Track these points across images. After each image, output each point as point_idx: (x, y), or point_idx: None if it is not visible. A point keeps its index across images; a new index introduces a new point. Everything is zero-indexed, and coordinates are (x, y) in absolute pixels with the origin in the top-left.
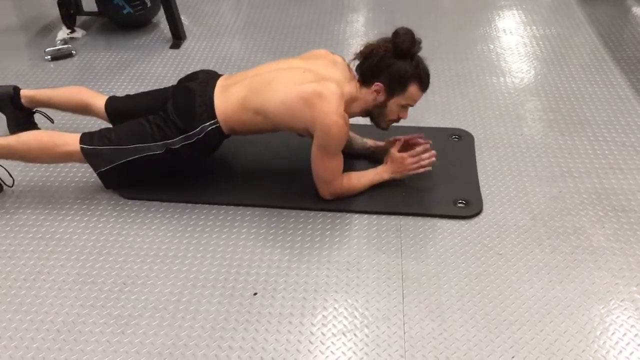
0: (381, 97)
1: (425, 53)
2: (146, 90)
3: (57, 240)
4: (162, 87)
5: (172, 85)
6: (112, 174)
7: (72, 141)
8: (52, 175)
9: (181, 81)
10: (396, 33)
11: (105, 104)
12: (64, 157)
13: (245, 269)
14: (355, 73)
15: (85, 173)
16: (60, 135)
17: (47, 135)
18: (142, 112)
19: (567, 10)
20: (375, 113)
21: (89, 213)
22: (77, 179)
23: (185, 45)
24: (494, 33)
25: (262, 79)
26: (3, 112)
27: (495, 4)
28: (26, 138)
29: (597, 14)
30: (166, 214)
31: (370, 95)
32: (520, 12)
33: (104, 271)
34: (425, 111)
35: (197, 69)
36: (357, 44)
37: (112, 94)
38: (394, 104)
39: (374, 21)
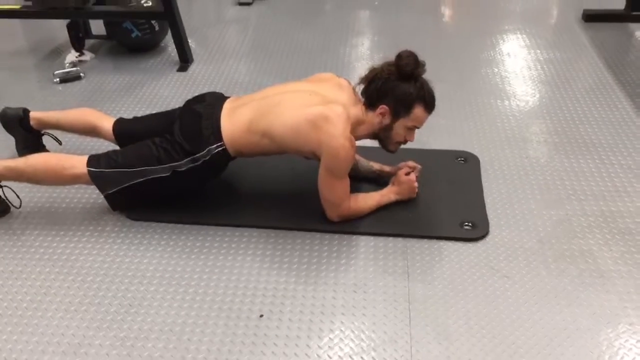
0: (387, 120)
1: (429, 76)
2: (154, 112)
3: (64, 261)
4: (169, 109)
5: (179, 108)
6: (118, 196)
7: (79, 164)
8: (59, 197)
9: (188, 103)
10: (399, 56)
11: (113, 126)
12: (72, 180)
13: (251, 291)
14: (360, 97)
15: (91, 195)
16: (68, 157)
17: (55, 157)
18: (149, 134)
19: (571, 34)
20: (382, 136)
21: (95, 234)
22: (83, 201)
23: (193, 68)
24: (498, 56)
25: (269, 102)
26: (12, 134)
27: (499, 28)
28: (34, 161)
29: (601, 37)
30: (172, 235)
31: (376, 118)
32: (524, 35)
33: (110, 293)
34: (431, 134)
35: (204, 91)
36: (362, 67)
37: (120, 116)
38: (399, 126)
39: (379, 45)
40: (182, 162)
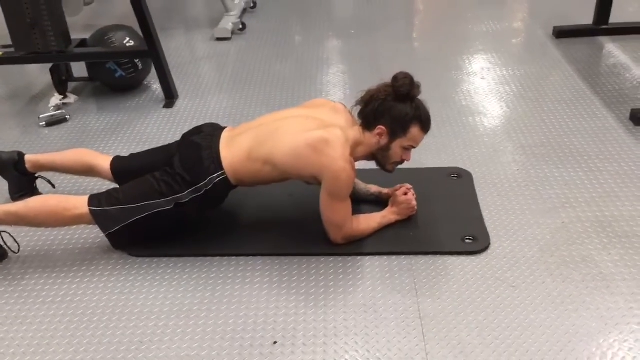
0: (384, 140)
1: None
2: (146, 149)
3: (68, 303)
4: (160, 144)
5: (176, 141)
6: (121, 234)
7: (80, 204)
8: (57, 239)
9: (186, 136)
10: (395, 77)
11: (111, 165)
12: (73, 221)
13: (262, 319)
14: (357, 118)
15: (90, 234)
16: (68, 198)
17: (55, 199)
18: (147, 169)
19: (544, 50)
20: (379, 156)
21: (97, 273)
22: (82, 240)
23: (178, 103)
24: (476, 75)
25: (267, 129)
26: (5, 178)
27: (473, 48)
28: (34, 204)
29: (572, 51)
30: (176, 269)
31: (373, 138)
32: (499, 54)
33: (119, 331)
34: (422, 153)
35: (192, 125)
36: (343, 93)
37: (111, 154)
38: (396, 146)
39: (358, 71)
40: (184, 193)
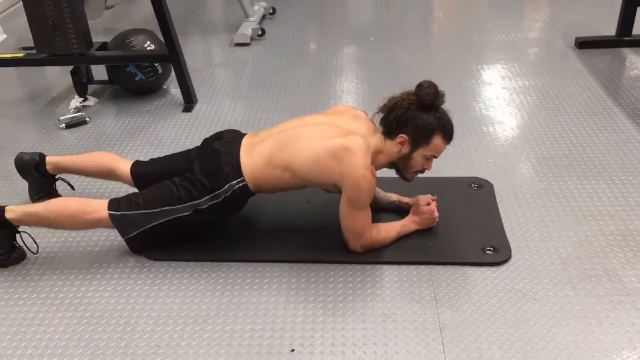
0: (406, 149)
1: None
2: (165, 153)
3: (85, 305)
4: (178, 149)
5: (196, 147)
6: (140, 238)
7: (100, 208)
8: (75, 240)
9: (206, 141)
10: (420, 86)
11: (131, 169)
12: (92, 224)
13: (279, 326)
14: (378, 126)
15: (108, 236)
16: (88, 202)
17: (75, 202)
18: (167, 174)
19: (566, 60)
20: (400, 165)
21: (115, 276)
22: (100, 243)
23: (197, 108)
24: (497, 85)
25: (287, 135)
26: (26, 179)
27: (494, 57)
28: (54, 206)
29: (594, 62)
30: (193, 274)
31: (395, 147)
32: (520, 64)
33: (136, 334)
34: (442, 162)
35: (211, 130)
36: (359, 100)
37: (130, 158)
38: (418, 155)
39: (377, 78)
40: (203, 199)
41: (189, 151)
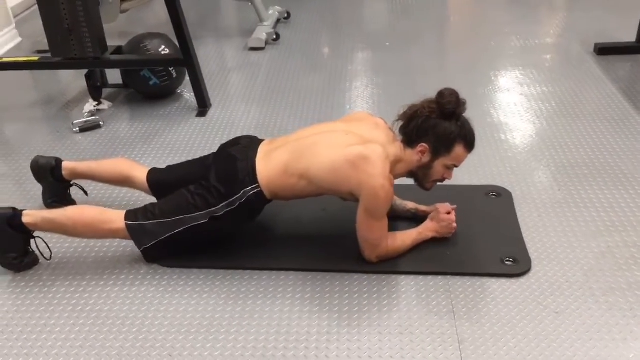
0: (426, 158)
1: None
2: (178, 158)
3: (97, 312)
4: (192, 153)
5: (213, 153)
6: (156, 248)
7: (117, 218)
8: (88, 246)
9: (223, 147)
10: (441, 94)
11: (147, 177)
12: (108, 234)
13: (294, 336)
14: (397, 134)
15: (120, 243)
16: (105, 212)
17: (93, 212)
18: (183, 181)
19: (584, 67)
20: (419, 174)
21: (128, 283)
22: (113, 249)
23: (211, 112)
24: (515, 91)
25: (305, 143)
26: (41, 183)
27: (512, 63)
28: (72, 213)
29: (615, 69)
30: (207, 281)
31: (415, 156)
32: (539, 70)
33: (148, 343)
34: (459, 170)
35: (225, 134)
36: (374, 106)
37: (145, 163)
38: (438, 164)
39: (390, 84)
40: (219, 206)
41: (205, 158)
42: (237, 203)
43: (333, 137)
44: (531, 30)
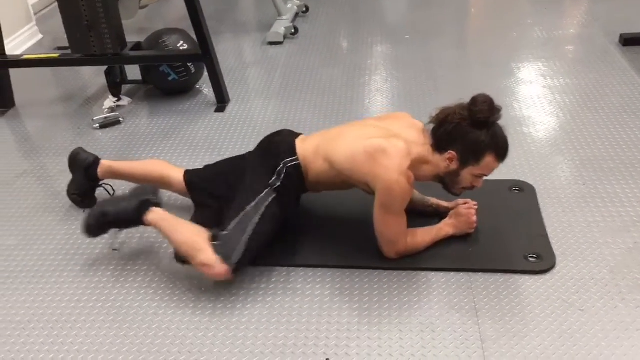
0: (454, 166)
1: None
2: (197, 153)
3: (118, 308)
4: (211, 149)
5: (249, 152)
6: (242, 256)
7: (205, 246)
8: (109, 242)
9: (265, 137)
10: (474, 101)
11: (184, 177)
12: (199, 266)
13: (314, 333)
14: (430, 137)
15: (141, 238)
16: (199, 239)
17: (195, 236)
18: (223, 174)
19: (609, 58)
20: (447, 180)
21: (147, 279)
22: (133, 245)
23: (230, 108)
24: (538, 83)
25: (336, 131)
26: (72, 173)
27: (535, 54)
28: (187, 231)
29: None
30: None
31: (442, 162)
32: (561, 61)
33: (168, 340)
34: None
35: (245, 129)
36: (393, 100)
37: (162, 158)
38: (467, 173)
39: (410, 78)
40: (273, 178)
41: (241, 155)
42: (281, 175)
43: (361, 129)
44: (554, 21)
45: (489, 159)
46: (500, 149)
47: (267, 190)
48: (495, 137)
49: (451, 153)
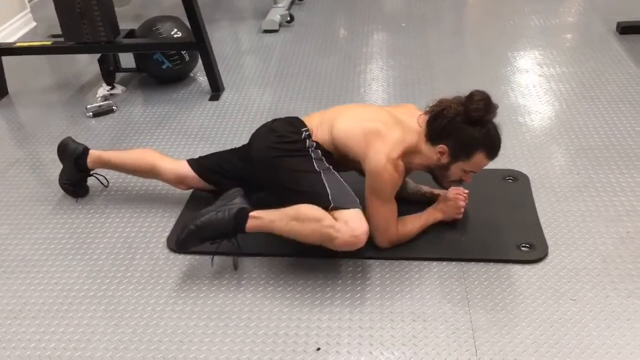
0: (444, 160)
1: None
2: (191, 142)
3: (109, 298)
4: (205, 137)
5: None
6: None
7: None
8: (100, 232)
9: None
10: (470, 97)
11: (193, 168)
12: (346, 237)
13: (305, 323)
14: (425, 128)
15: (133, 228)
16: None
17: (313, 223)
18: (226, 158)
19: (606, 46)
20: (437, 172)
21: (140, 269)
22: (125, 235)
23: (224, 96)
24: (534, 72)
25: (340, 109)
26: (62, 163)
27: (531, 43)
28: (304, 222)
29: (638, 49)
30: (216, 267)
31: (433, 154)
32: (558, 50)
33: (159, 329)
34: None
35: (239, 118)
36: (389, 89)
37: (156, 147)
38: (457, 168)
39: (406, 66)
40: (307, 146)
41: (244, 146)
42: (306, 142)
43: (364, 110)
44: (551, 8)
45: (479, 156)
46: (491, 148)
47: (307, 145)
48: (488, 136)
49: (442, 147)
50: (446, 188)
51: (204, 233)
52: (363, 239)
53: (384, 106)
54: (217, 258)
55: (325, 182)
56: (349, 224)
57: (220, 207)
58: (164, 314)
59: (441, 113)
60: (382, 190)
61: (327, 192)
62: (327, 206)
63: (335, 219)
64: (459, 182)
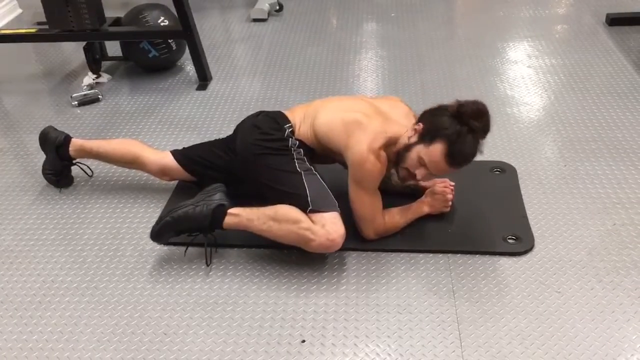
0: (413, 139)
1: (452, 89)
2: (178, 132)
3: (93, 290)
4: (192, 127)
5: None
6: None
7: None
8: (85, 222)
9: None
10: (474, 101)
11: (176, 158)
12: (321, 239)
13: (290, 315)
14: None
15: (117, 219)
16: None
17: (290, 224)
18: (208, 148)
19: (595, 38)
20: (400, 153)
21: (124, 260)
22: (109, 226)
23: (212, 86)
24: (523, 63)
25: (323, 102)
26: (45, 153)
27: (521, 34)
28: (281, 223)
29: (627, 41)
30: (201, 259)
31: (410, 132)
32: (547, 41)
33: (143, 321)
34: None
35: (226, 108)
36: (379, 79)
37: (142, 137)
38: (416, 151)
39: (396, 56)
40: (289, 142)
41: (226, 137)
42: (289, 141)
43: (346, 101)
44: (541, 0)
45: (437, 146)
46: (454, 148)
47: (289, 154)
48: (459, 136)
49: (419, 125)
50: (397, 181)
51: (180, 226)
52: (339, 242)
53: (366, 97)
54: (195, 250)
55: (305, 183)
56: (326, 227)
57: (199, 202)
58: (148, 305)
59: (442, 106)
60: (365, 180)
61: (306, 193)
62: (305, 208)
63: (312, 221)
64: (411, 177)
